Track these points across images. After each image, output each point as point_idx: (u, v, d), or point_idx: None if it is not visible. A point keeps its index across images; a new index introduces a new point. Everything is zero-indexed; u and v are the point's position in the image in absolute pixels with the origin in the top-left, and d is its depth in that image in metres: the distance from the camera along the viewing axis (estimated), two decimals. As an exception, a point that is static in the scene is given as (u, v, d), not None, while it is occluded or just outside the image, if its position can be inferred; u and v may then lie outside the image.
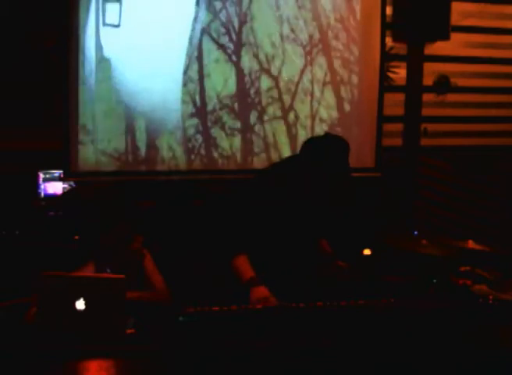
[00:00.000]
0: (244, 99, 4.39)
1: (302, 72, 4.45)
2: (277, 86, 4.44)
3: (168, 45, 4.20)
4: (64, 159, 4.05)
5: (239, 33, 4.31)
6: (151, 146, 4.22)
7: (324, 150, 2.51)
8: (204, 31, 4.24)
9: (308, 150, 2.56)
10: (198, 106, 4.30)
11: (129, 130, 4.18)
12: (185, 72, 4.25)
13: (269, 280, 2.45)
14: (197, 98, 4.29)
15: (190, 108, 4.29)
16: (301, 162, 2.58)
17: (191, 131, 4.30)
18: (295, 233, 2.60)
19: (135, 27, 4.12)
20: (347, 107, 4.56)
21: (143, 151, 4.22)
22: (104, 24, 4.07)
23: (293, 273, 2.56)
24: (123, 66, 4.14)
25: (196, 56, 4.25)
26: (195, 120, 4.30)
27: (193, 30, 4.23)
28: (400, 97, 4.90)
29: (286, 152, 4.41)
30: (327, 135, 2.63)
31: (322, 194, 2.61)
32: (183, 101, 4.28)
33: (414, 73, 4.88)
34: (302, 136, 4.40)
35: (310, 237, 2.71)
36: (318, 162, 2.51)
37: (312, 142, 2.60)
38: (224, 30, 4.28)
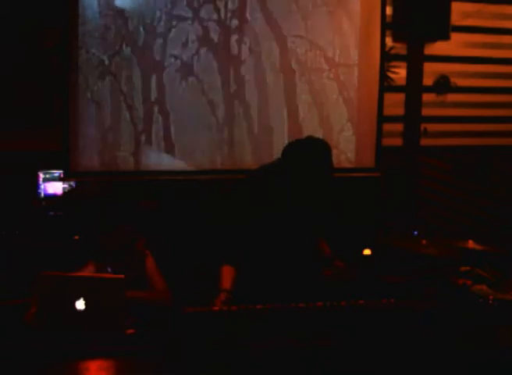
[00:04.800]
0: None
1: (301, 72, 4.44)
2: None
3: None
4: (64, 159, 4.05)
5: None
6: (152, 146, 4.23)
7: (306, 155, 2.50)
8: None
9: (291, 155, 2.55)
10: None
11: (130, 130, 4.18)
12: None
13: (268, 280, 2.45)
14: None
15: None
16: (286, 166, 2.57)
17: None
18: (291, 233, 2.59)
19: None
20: (347, 107, 4.55)
21: (143, 151, 4.21)
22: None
23: (291, 274, 2.56)
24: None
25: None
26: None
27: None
28: (400, 97, 4.90)
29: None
30: (308, 139, 2.60)
31: (309, 195, 2.60)
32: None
33: (414, 73, 4.88)
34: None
35: (306, 237, 2.70)
36: (301, 166, 2.50)
37: (293, 147, 2.58)
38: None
